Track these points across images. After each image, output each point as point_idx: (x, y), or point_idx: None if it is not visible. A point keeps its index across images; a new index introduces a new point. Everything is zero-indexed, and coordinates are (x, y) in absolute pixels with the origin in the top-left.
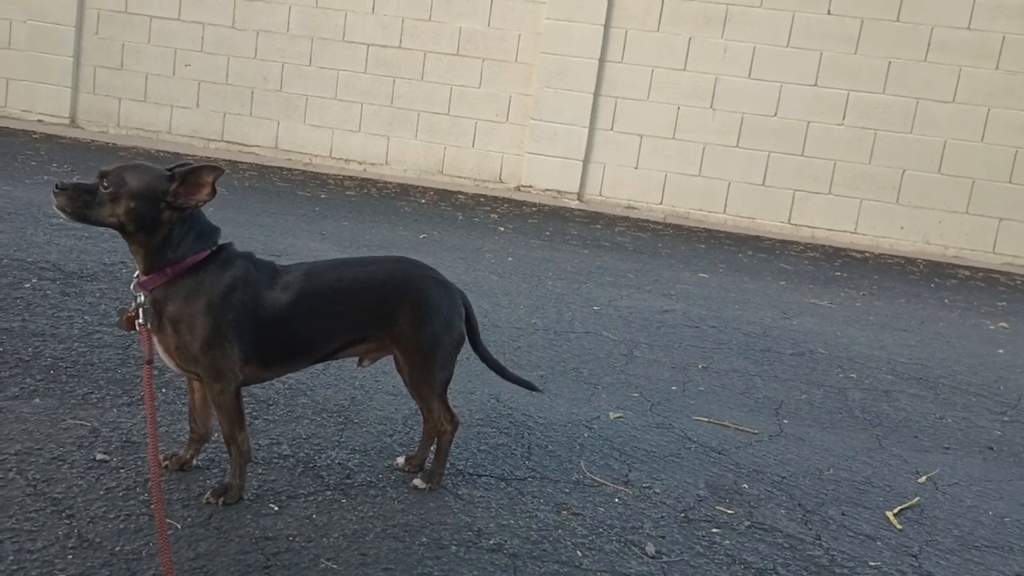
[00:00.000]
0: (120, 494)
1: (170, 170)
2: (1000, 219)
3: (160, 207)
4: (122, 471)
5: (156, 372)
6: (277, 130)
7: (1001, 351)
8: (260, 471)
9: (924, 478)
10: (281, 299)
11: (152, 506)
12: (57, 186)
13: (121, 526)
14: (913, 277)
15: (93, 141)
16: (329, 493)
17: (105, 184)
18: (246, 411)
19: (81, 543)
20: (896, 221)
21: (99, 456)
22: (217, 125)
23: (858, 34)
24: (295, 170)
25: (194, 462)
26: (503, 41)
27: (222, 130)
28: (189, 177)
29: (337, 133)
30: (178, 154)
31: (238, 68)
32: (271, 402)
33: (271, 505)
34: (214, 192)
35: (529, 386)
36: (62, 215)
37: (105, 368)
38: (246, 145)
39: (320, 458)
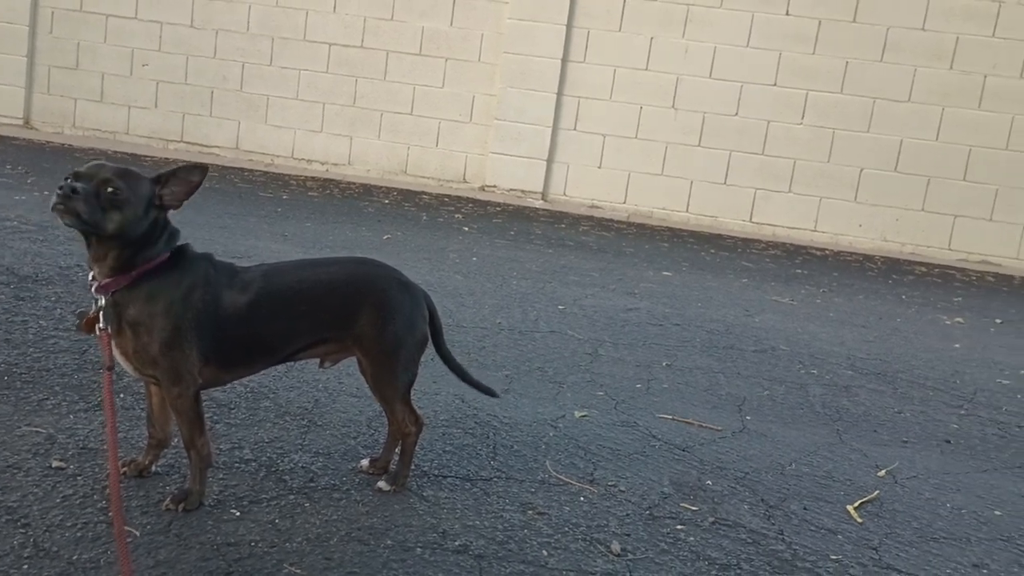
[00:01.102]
0: (77, 502)
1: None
2: (955, 216)
3: (150, 211)
4: (79, 478)
5: (115, 377)
6: (238, 130)
7: (957, 346)
8: (221, 476)
9: (883, 472)
10: (240, 300)
11: (110, 513)
12: (73, 190)
13: (78, 534)
14: (871, 274)
15: (48, 142)
16: (292, 497)
17: (111, 189)
18: (206, 415)
19: (37, 552)
20: (854, 219)
21: (55, 463)
22: (176, 126)
23: (816, 35)
24: (256, 171)
25: (153, 468)
26: (466, 41)
27: (181, 131)
28: (176, 177)
29: (299, 133)
30: (136, 155)
31: (197, 68)
32: (232, 406)
33: (233, 510)
34: (195, 191)
35: (489, 392)
36: (67, 220)
37: (61, 373)
38: (206, 146)
39: (283, 462)
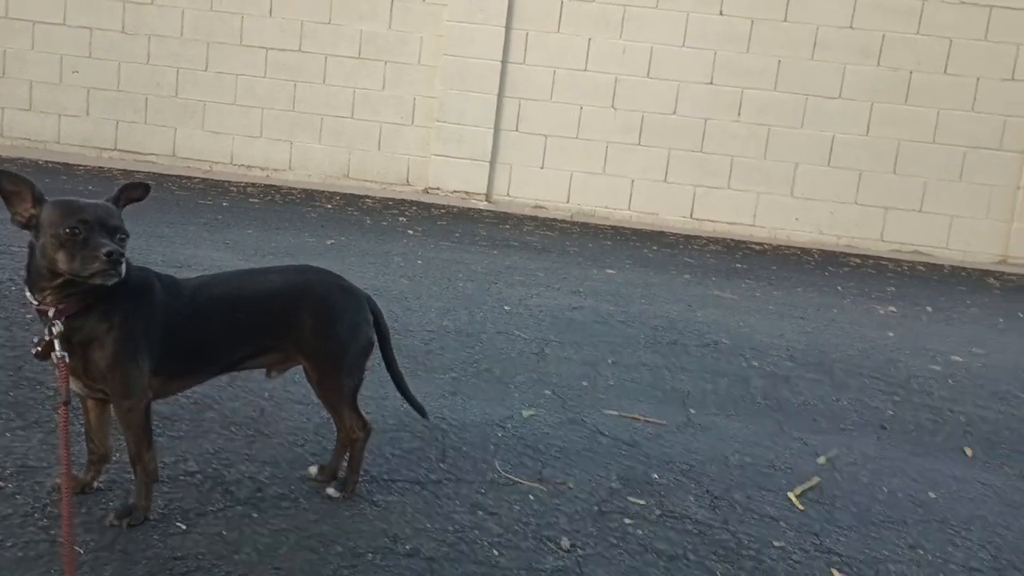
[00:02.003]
0: (17, 521)
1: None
2: (886, 208)
3: None
4: (18, 497)
5: (51, 393)
6: (174, 137)
7: (891, 334)
8: (166, 489)
9: (823, 459)
10: (183, 310)
11: (53, 532)
12: (121, 254)
13: (20, 554)
14: (808, 266)
15: None
16: (239, 508)
17: (120, 236)
18: None
19: None
20: (791, 213)
21: None
22: (110, 133)
23: (749, 34)
24: (195, 178)
25: (95, 484)
26: (405, 43)
27: (115, 138)
28: (124, 195)
29: (238, 139)
30: (68, 164)
31: (130, 74)
32: (176, 418)
33: (179, 524)
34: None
35: (419, 410)
36: (113, 281)
37: None
38: (141, 153)
39: (229, 473)
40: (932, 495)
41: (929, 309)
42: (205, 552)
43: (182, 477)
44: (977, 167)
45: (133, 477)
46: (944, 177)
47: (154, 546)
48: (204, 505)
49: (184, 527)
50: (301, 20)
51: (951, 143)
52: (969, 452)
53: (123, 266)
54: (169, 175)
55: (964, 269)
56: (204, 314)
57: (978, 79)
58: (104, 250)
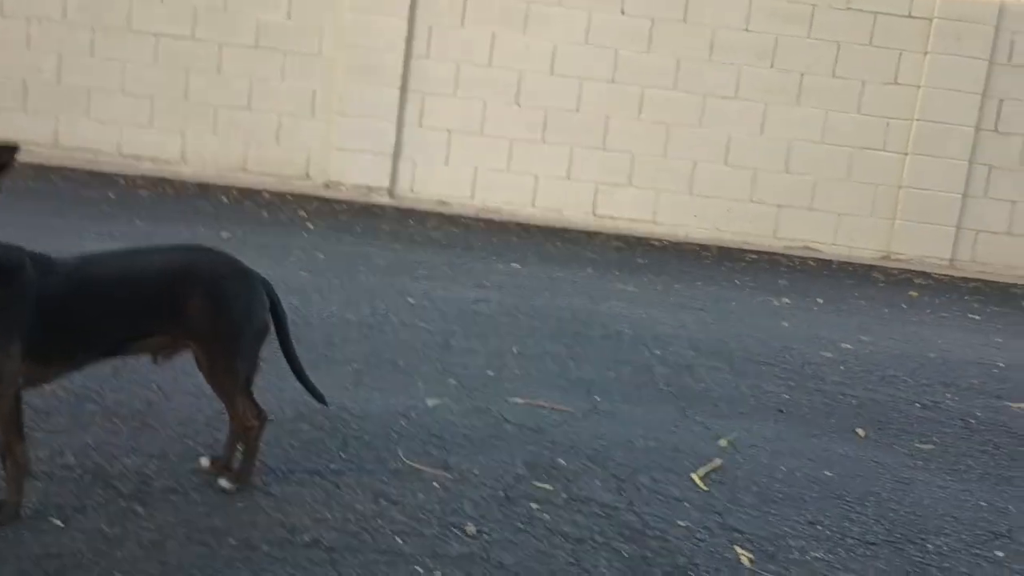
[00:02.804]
0: None
1: None
2: (779, 206)
3: None
4: None
5: None
6: (56, 126)
7: (785, 324)
8: (40, 484)
9: (724, 442)
10: (58, 291)
11: None
12: None
13: None
14: (707, 262)
15: None
16: (123, 502)
17: None
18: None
19: None
20: (690, 210)
21: None
22: None
23: (649, 34)
24: (79, 169)
25: None
26: (304, 34)
27: None
28: None
29: (126, 129)
30: None
31: (6, 59)
32: (52, 411)
33: (55, 520)
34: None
35: (319, 398)
36: None
37: None
38: (20, 142)
39: (112, 466)
40: (828, 473)
41: (820, 301)
42: (84, 549)
43: (59, 472)
44: (862, 167)
45: (2, 472)
46: (832, 176)
47: (26, 543)
48: (83, 500)
49: (60, 523)
50: (194, 6)
51: (839, 143)
52: (861, 433)
53: None
54: (50, 166)
55: (851, 264)
56: (81, 295)
57: (863, 83)
58: None
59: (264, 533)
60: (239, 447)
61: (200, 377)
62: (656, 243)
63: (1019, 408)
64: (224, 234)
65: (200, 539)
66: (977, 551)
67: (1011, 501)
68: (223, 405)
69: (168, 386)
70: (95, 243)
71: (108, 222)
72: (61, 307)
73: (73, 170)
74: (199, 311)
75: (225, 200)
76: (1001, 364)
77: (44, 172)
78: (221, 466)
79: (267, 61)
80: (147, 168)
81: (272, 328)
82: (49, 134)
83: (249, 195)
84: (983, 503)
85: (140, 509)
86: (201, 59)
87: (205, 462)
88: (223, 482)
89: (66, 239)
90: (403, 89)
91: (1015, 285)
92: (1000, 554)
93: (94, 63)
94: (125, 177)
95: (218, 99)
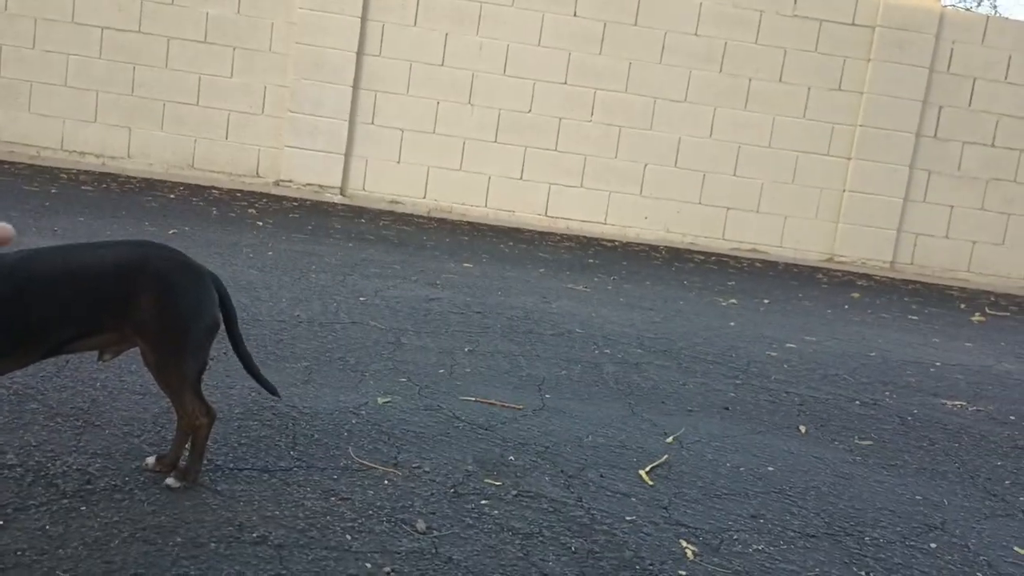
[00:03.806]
0: None
1: None
2: (727, 208)
3: None
4: None
5: None
6: None
7: (732, 324)
8: None
9: (671, 438)
10: (1, 288)
11: None
12: None
13: None
14: (656, 262)
15: None
16: (66, 501)
17: None
18: None
19: None
20: (640, 212)
21: None
22: None
23: (602, 36)
24: (20, 163)
25: None
26: (255, 30)
27: None
28: None
29: (69, 123)
30: None
31: None
32: None
33: None
34: None
35: (271, 390)
36: None
37: None
38: None
39: (54, 465)
40: (771, 469)
41: (766, 301)
42: (25, 548)
43: (0, 471)
44: (808, 171)
45: None
46: (778, 180)
47: None
48: (25, 499)
49: (1, 522)
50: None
51: (785, 147)
52: (803, 429)
53: None
54: None
55: (796, 266)
56: (22, 291)
57: (809, 88)
58: None
59: (211, 531)
60: (187, 446)
61: (147, 375)
62: (607, 244)
63: (954, 406)
64: (171, 231)
65: (146, 537)
66: (912, 543)
67: (945, 495)
68: (170, 403)
69: (113, 384)
70: (36, 238)
71: (50, 217)
72: (3, 305)
73: (14, 164)
74: (147, 307)
75: (172, 196)
76: (938, 363)
77: None
78: (168, 465)
79: (216, 56)
80: (91, 163)
81: (222, 324)
82: None
83: (197, 192)
84: (919, 497)
85: (84, 508)
86: (148, 53)
87: (151, 461)
88: (170, 480)
89: None
90: (355, 87)
91: (952, 287)
92: (933, 545)
93: (35, 55)
94: (68, 172)
95: (166, 94)
